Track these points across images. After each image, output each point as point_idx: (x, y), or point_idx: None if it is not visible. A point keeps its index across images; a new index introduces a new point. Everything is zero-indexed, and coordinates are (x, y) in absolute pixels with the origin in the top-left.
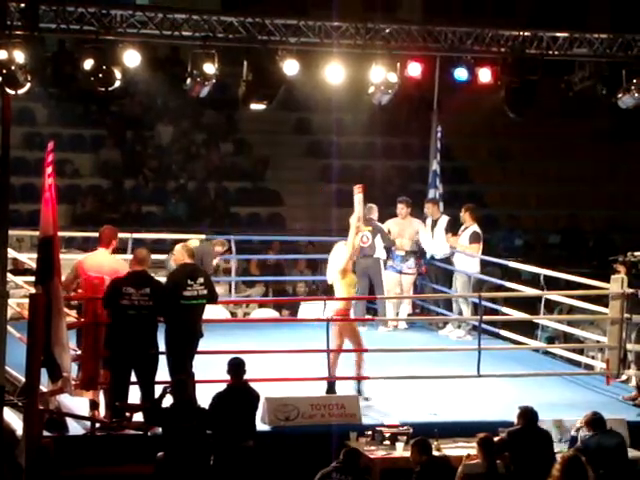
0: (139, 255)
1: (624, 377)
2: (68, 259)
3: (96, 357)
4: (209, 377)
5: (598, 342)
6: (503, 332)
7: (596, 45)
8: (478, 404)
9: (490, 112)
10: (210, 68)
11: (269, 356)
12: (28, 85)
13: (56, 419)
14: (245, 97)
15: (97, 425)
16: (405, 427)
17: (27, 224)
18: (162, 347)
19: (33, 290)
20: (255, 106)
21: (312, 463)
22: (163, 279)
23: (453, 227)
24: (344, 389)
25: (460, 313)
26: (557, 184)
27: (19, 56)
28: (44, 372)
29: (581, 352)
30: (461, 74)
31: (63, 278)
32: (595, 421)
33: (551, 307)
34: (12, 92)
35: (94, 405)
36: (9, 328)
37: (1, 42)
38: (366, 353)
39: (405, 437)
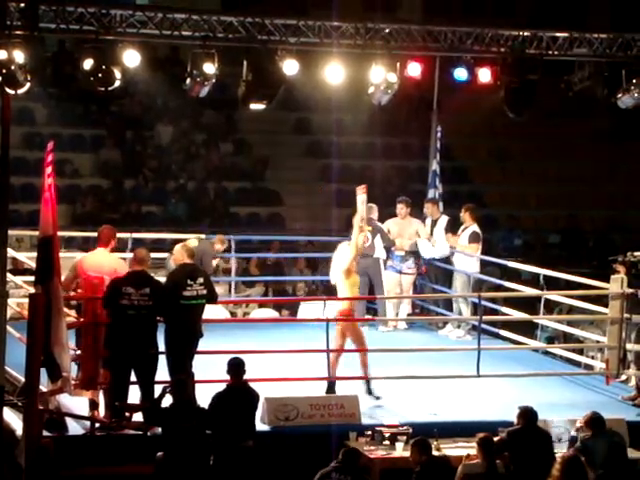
0: (139, 255)
1: (624, 377)
2: (68, 257)
3: (96, 357)
4: (209, 377)
5: (598, 342)
6: (503, 332)
7: (596, 45)
8: (478, 404)
9: (490, 112)
10: (210, 68)
11: (269, 356)
12: (28, 85)
13: (56, 419)
14: (245, 97)
15: (97, 425)
16: (405, 427)
17: (27, 224)
18: (162, 347)
19: (33, 290)
20: (255, 106)
21: (312, 463)
22: (163, 279)
23: (453, 227)
24: (344, 389)
25: (460, 313)
26: (557, 184)
27: (19, 56)
28: (44, 372)
29: (581, 352)
30: (461, 74)
31: (63, 278)
32: (595, 421)
33: (551, 307)
34: (12, 92)
35: (94, 405)
36: (9, 328)
37: (1, 42)
38: (368, 353)
39: (405, 437)
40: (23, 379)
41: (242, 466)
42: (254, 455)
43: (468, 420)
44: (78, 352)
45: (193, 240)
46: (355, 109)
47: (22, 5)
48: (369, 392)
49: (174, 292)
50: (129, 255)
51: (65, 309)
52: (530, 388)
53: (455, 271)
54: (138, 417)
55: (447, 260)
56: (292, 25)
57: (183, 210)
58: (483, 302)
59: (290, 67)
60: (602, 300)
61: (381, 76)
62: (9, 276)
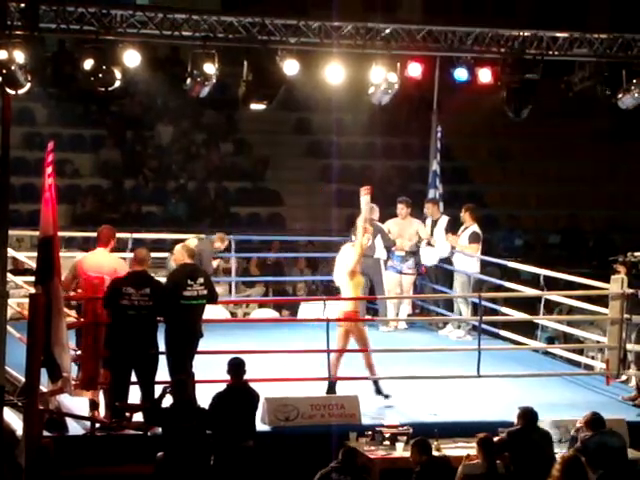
0: (139, 255)
1: (624, 377)
2: (68, 257)
3: (96, 357)
4: (209, 377)
5: (598, 342)
6: (503, 332)
7: (596, 45)
8: (478, 404)
9: (490, 112)
10: (210, 68)
11: (269, 356)
12: (28, 85)
13: (56, 419)
14: (245, 97)
15: (97, 425)
16: (405, 427)
17: (27, 224)
18: (162, 347)
19: (33, 290)
20: (255, 106)
21: (312, 463)
22: (163, 279)
23: (453, 227)
24: (345, 389)
25: (460, 313)
26: (557, 184)
27: (19, 56)
28: (44, 372)
29: (581, 352)
30: (461, 74)
31: (63, 278)
32: (595, 421)
33: (551, 307)
34: (12, 92)
35: (94, 405)
36: (9, 328)
37: (1, 42)
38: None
39: (405, 437)
40: (23, 379)
41: (242, 466)
42: (254, 455)
43: (468, 420)
44: (78, 352)
45: (192, 239)
46: (355, 109)
47: (22, 5)
48: (378, 392)
49: (174, 292)
50: (129, 255)
51: (65, 309)
52: (530, 388)
53: (455, 271)
54: (138, 417)
55: (447, 260)
56: (292, 25)
57: (183, 210)
58: (483, 302)
59: (290, 67)
60: (602, 300)
61: (381, 76)
62: (9, 276)
